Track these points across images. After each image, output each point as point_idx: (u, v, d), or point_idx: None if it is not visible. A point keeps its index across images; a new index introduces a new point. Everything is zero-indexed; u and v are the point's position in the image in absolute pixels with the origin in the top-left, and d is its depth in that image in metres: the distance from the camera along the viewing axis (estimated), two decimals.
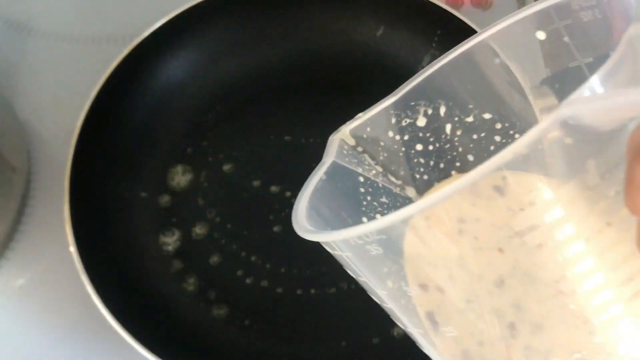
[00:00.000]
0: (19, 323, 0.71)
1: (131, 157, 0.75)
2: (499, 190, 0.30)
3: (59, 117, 0.76)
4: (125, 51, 0.72)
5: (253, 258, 0.72)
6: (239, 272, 0.72)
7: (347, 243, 0.32)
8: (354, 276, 0.35)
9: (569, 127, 0.26)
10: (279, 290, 0.72)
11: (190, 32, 0.77)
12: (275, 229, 0.73)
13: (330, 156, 0.41)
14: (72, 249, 0.65)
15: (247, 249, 0.73)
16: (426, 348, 0.35)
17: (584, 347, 0.31)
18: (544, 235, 0.29)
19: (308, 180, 0.39)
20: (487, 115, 0.30)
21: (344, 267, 0.35)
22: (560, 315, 0.30)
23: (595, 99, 0.25)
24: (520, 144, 0.26)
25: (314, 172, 0.40)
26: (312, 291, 0.71)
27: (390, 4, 0.77)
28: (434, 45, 0.76)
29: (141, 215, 0.74)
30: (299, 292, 0.71)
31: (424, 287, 0.32)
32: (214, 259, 0.72)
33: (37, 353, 0.70)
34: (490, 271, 0.30)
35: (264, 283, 0.72)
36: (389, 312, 0.35)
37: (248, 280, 0.72)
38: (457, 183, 0.26)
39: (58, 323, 0.71)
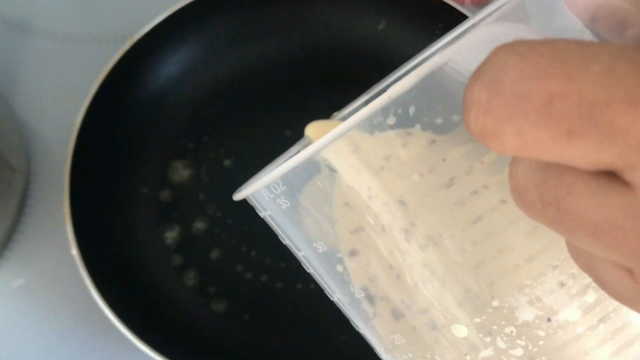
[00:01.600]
0: (19, 323, 0.70)
1: (132, 152, 0.73)
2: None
3: (58, 117, 0.75)
4: (126, 46, 0.71)
5: (253, 253, 0.71)
6: (239, 267, 0.70)
7: (263, 199, 0.32)
8: (282, 240, 0.35)
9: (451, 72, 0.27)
10: (279, 285, 0.70)
11: (191, 26, 0.75)
12: None
13: (299, 145, 0.41)
14: (72, 243, 0.64)
15: (247, 244, 0.71)
16: (355, 318, 0.34)
17: (482, 310, 0.29)
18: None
19: (271, 163, 0.39)
20: (455, 117, 0.29)
21: (277, 235, 0.35)
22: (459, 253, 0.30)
23: (462, 38, 0.26)
24: (396, 90, 0.27)
25: (279, 157, 0.40)
26: (312, 286, 0.69)
27: (392, 1, 0.75)
28: (435, 39, 0.74)
29: (141, 210, 0.72)
30: (298, 286, 0.70)
31: (353, 253, 0.31)
32: (214, 254, 0.71)
33: (37, 353, 0.69)
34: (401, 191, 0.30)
35: (264, 278, 0.70)
36: (315, 278, 0.34)
37: (248, 275, 0.70)
38: (332, 132, 0.28)
39: (57, 323, 0.70)
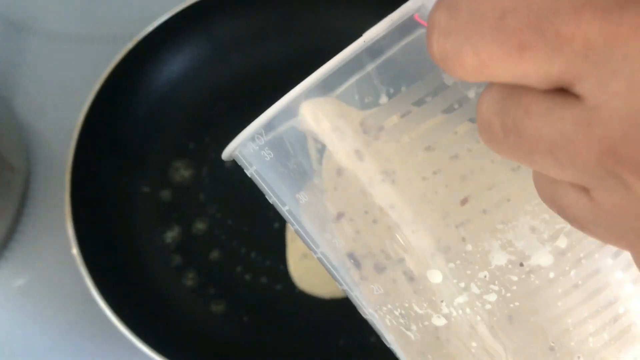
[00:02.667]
0: (18, 323, 0.71)
1: (133, 152, 0.75)
2: None
3: (58, 117, 0.77)
4: (129, 45, 0.72)
5: (253, 254, 0.72)
6: (239, 268, 0.71)
7: (249, 152, 0.33)
8: (268, 199, 0.35)
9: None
10: (278, 287, 0.71)
11: (194, 27, 0.77)
12: (276, 225, 0.72)
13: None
14: (73, 242, 0.65)
15: (247, 245, 0.72)
16: (342, 275, 0.34)
17: (456, 255, 0.30)
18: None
19: None
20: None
21: (265, 194, 0.35)
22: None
23: None
24: (370, 35, 0.29)
25: None
26: None
27: (396, 2, 0.76)
28: None
29: (142, 209, 0.74)
30: (297, 289, 0.70)
31: (339, 215, 0.32)
32: (214, 255, 0.72)
33: (37, 353, 0.70)
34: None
35: (263, 280, 0.71)
36: (299, 235, 0.35)
37: (247, 277, 0.71)
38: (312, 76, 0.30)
39: (57, 323, 0.71)
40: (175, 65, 0.77)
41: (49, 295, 0.72)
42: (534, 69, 0.22)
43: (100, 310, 0.63)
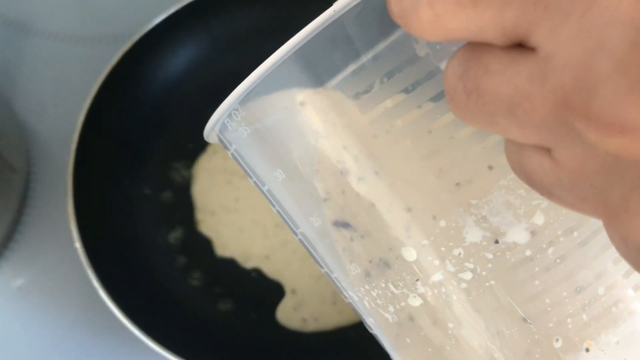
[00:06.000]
0: (19, 324, 0.71)
1: (133, 154, 0.75)
2: None
3: (58, 117, 0.77)
4: (125, 47, 0.72)
5: None
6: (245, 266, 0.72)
7: (227, 131, 0.32)
8: (249, 179, 0.34)
9: None
10: None
11: (192, 26, 0.77)
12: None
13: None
14: (78, 245, 0.65)
15: None
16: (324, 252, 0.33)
17: (430, 232, 0.30)
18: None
19: None
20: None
21: (247, 175, 0.34)
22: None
23: None
24: (340, 4, 0.28)
25: None
26: None
27: None
28: None
29: (145, 211, 0.74)
30: None
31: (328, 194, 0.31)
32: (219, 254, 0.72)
33: (36, 354, 0.70)
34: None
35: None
36: (281, 217, 0.34)
37: (253, 275, 0.71)
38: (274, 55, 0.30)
39: (57, 323, 0.71)
40: (173, 65, 0.77)
41: (49, 296, 0.72)
42: (489, 20, 0.22)
43: (102, 309, 0.63)
